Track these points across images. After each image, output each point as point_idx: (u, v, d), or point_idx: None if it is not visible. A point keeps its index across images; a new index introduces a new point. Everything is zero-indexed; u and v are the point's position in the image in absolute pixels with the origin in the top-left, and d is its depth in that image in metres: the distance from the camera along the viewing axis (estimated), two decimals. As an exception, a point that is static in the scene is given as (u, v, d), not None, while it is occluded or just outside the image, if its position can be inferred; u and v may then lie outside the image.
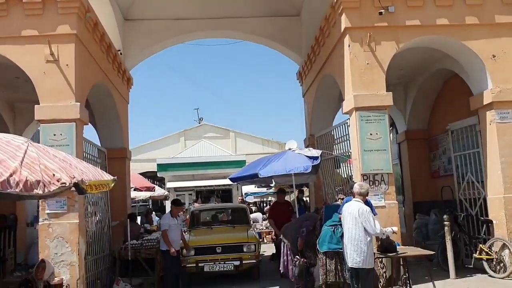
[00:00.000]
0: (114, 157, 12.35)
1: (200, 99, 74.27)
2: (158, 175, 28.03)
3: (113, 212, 11.82)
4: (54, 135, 8.73)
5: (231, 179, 10.52)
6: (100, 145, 11.97)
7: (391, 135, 13.46)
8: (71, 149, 8.62)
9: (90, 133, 16.39)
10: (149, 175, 34.14)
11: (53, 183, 4.48)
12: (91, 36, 9.95)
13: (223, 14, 13.89)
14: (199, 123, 37.79)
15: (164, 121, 72.54)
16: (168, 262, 9.44)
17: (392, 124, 14.72)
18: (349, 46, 9.42)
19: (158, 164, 27.18)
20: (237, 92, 73.62)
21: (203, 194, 28.68)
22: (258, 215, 19.74)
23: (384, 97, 9.32)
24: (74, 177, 4.73)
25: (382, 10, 9.40)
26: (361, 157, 9.13)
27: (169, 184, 27.15)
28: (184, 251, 10.02)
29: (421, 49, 10.40)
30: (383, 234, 7.24)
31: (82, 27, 9.31)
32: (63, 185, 4.52)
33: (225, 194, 28.79)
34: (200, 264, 9.86)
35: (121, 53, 12.27)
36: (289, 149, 10.48)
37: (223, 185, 26.15)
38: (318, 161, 9.47)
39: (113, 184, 6.02)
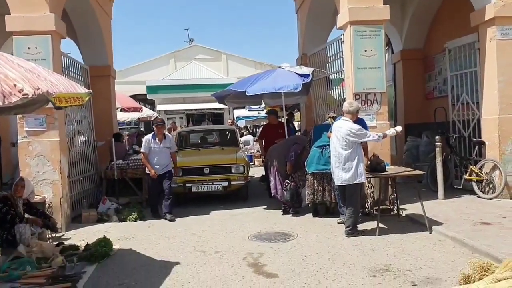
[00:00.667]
0: (97, 75, 11.84)
1: (191, 18, 71.88)
2: (147, 97, 27.52)
3: (99, 132, 11.54)
4: (29, 48, 8.20)
5: (215, 96, 9.97)
6: (82, 63, 11.43)
7: (386, 55, 12.97)
8: (48, 63, 8.12)
9: (72, 49, 15.71)
10: (139, 98, 33.55)
11: (14, 94, 4.09)
12: None
13: None
14: (190, 44, 36.73)
15: (153, 42, 70.62)
16: (151, 185, 9.19)
17: (388, 44, 14.17)
18: (346, -47, 8.69)
19: (147, 86, 26.60)
20: (228, 9, 71.13)
21: (195, 118, 28.40)
22: (249, 137, 19.60)
23: (381, 10, 8.75)
24: (39, 88, 4.33)
25: None
26: (354, 75, 8.72)
27: (159, 107, 26.75)
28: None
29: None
30: (380, 138, 7.05)
31: None
32: (25, 96, 4.12)
33: (216, 118, 28.49)
34: (187, 185, 9.70)
35: (100, -38, 11.37)
36: (279, 67, 10.02)
37: (215, 108, 25.75)
38: (309, 79, 9.05)
39: (87, 98, 5.63)
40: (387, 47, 13.69)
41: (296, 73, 9.17)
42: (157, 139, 9.05)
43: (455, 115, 10.51)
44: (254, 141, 18.35)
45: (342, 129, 6.98)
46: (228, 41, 72.51)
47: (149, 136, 9.22)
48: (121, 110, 15.31)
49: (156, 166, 8.97)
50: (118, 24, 62.98)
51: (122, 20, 68.11)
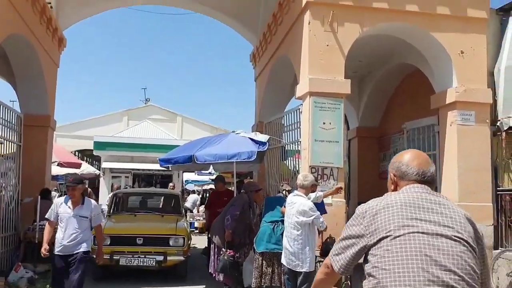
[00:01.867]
0: (34, 124, 10.80)
1: (148, 77, 71.69)
2: (94, 153, 26.17)
3: (28, 187, 10.31)
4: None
5: (161, 161, 9.02)
6: (19, 110, 10.42)
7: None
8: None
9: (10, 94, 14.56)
10: (88, 154, 32.11)
11: None
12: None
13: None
14: (146, 104, 36.06)
15: (108, 98, 69.42)
16: (53, 270, 6.51)
17: (345, 120, 13.95)
18: (309, 23, 8.42)
19: (95, 142, 25.34)
20: (187, 71, 71.59)
21: (142, 178, 27.13)
22: (194, 197, 18.60)
23: (342, 84, 8.40)
24: None
25: (349, -13, 8.46)
26: (311, 147, 8.16)
27: (104, 164, 25.39)
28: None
29: (384, 38, 9.57)
30: (324, 226, 6.34)
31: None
32: None
33: (165, 180, 27.31)
34: (115, 257, 8.32)
35: (51, 6, 10.70)
36: (233, 131, 9.38)
37: (163, 170, 24.68)
38: (266, 147, 8.42)
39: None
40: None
41: (251, 140, 8.53)
42: (69, 204, 6.27)
43: (412, 198, 10.05)
44: (199, 205, 17.37)
45: (294, 205, 6.29)
46: (185, 103, 72.48)
47: (60, 199, 6.58)
48: (58, 165, 14.09)
49: (62, 242, 6.18)
50: (70, 75, 61.62)
51: (77, 71, 66.92)
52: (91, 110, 77.85)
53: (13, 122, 9.68)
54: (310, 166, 8.13)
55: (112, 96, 68.97)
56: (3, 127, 8.93)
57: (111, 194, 11.30)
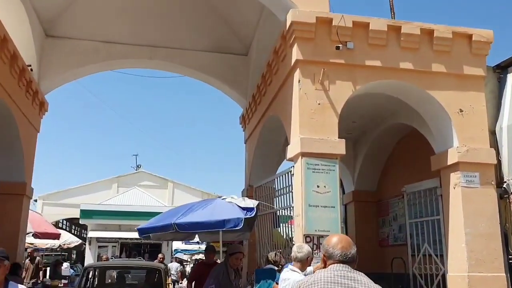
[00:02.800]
0: (7, 192, 10.09)
1: (139, 143, 71.36)
2: (80, 222, 25.11)
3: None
4: None
5: (139, 230, 8.13)
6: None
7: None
8: None
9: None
10: (76, 222, 31.00)
11: None
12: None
13: (162, 42, 12.38)
14: (136, 170, 35.39)
15: (98, 165, 68.58)
16: None
17: (340, 184, 13.29)
18: (299, 81, 7.99)
19: (81, 210, 24.29)
20: (177, 135, 71.39)
21: (129, 248, 25.88)
22: (175, 265, 17.49)
23: (336, 144, 7.83)
24: None
25: (339, 45, 8.11)
26: (304, 213, 7.43)
27: (91, 233, 24.24)
28: None
29: (378, 97, 9.17)
30: None
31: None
32: None
33: (154, 249, 26.05)
34: None
35: (31, 69, 10.31)
36: (219, 197, 8.65)
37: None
38: (253, 213, 7.63)
39: None
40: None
41: (238, 206, 7.78)
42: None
43: (416, 268, 9.20)
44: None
45: (288, 281, 5.47)
46: (176, 169, 71.76)
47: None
48: (33, 235, 13.16)
49: None
50: (58, 140, 61.22)
51: (65, 135, 66.59)
52: (80, 177, 76.64)
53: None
54: (304, 235, 7.36)
55: (102, 163, 68.27)
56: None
57: (83, 268, 10.13)
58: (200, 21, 12.25)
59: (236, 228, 7.38)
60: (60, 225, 33.31)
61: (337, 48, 8.11)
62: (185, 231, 7.53)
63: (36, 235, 13.36)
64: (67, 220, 35.10)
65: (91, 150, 71.03)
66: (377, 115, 10.76)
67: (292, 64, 8.21)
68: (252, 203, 7.74)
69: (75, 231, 37.67)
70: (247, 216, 7.40)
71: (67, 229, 34.39)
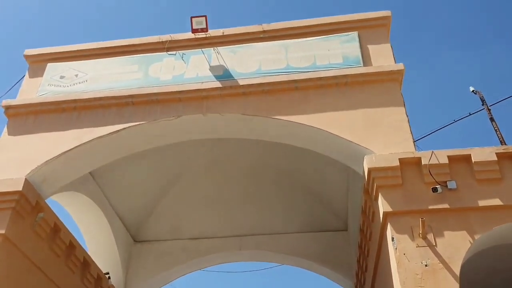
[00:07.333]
0: None
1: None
2: None
3: None
4: None
5: None
6: None
7: None
8: None
9: None
10: None
11: None
12: (45, 244, 7.55)
13: (251, 230, 11.32)
14: None
15: None
16: None
17: None
18: (392, 239, 6.14)
19: None
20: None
21: None
22: None
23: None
24: None
25: (437, 186, 6.34)
26: None
27: None
28: None
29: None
30: None
31: (21, 229, 6.99)
32: None
33: None
34: None
35: (109, 277, 9.59)
36: None
37: None
38: None
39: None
40: None
41: None
42: None
43: None
44: None
45: None
46: None
47: None
48: None
49: None
50: None
51: None
52: None
53: None
54: None
55: None
56: None
57: None
58: (290, 202, 11.22)
59: None
60: None
61: (434, 190, 6.33)
62: None
63: None
64: None
65: None
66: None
67: (381, 220, 6.48)
68: None
69: None
70: None
71: None
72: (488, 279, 7.26)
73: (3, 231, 6.57)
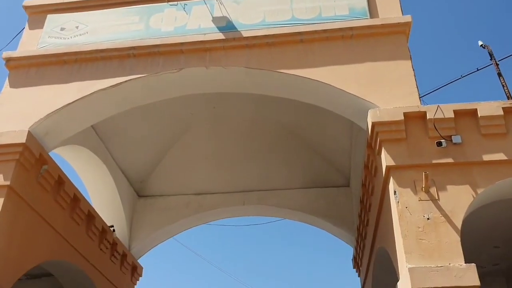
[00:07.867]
0: None
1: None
2: None
3: None
4: None
5: None
6: None
7: None
8: None
9: None
10: None
11: None
12: (50, 197, 7.62)
13: (255, 186, 11.41)
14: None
15: None
16: None
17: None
18: (395, 193, 6.14)
19: None
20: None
21: None
22: None
23: (463, 272, 5.49)
24: None
25: (441, 141, 6.30)
26: None
27: None
28: None
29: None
30: None
31: (25, 181, 7.04)
32: None
33: None
34: None
35: (113, 230, 9.74)
36: None
37: None
38: None
39: None
40: None
41: None
42: None
43: None
44: None
45: None
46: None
47: None
48: None
49: None
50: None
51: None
52: None
53: None
54: None
55: None
56: None
57: None
58: (293, 157, 11.22)
59: None
60: None
61: (439, 144, 6.29)
62: None
63: None
64: None
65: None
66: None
67: (383, 174, 6.47)
68: None
69: None
70: None
71: None
72: (488, 233, 7.33)
73: (8, 182, 6.61)
